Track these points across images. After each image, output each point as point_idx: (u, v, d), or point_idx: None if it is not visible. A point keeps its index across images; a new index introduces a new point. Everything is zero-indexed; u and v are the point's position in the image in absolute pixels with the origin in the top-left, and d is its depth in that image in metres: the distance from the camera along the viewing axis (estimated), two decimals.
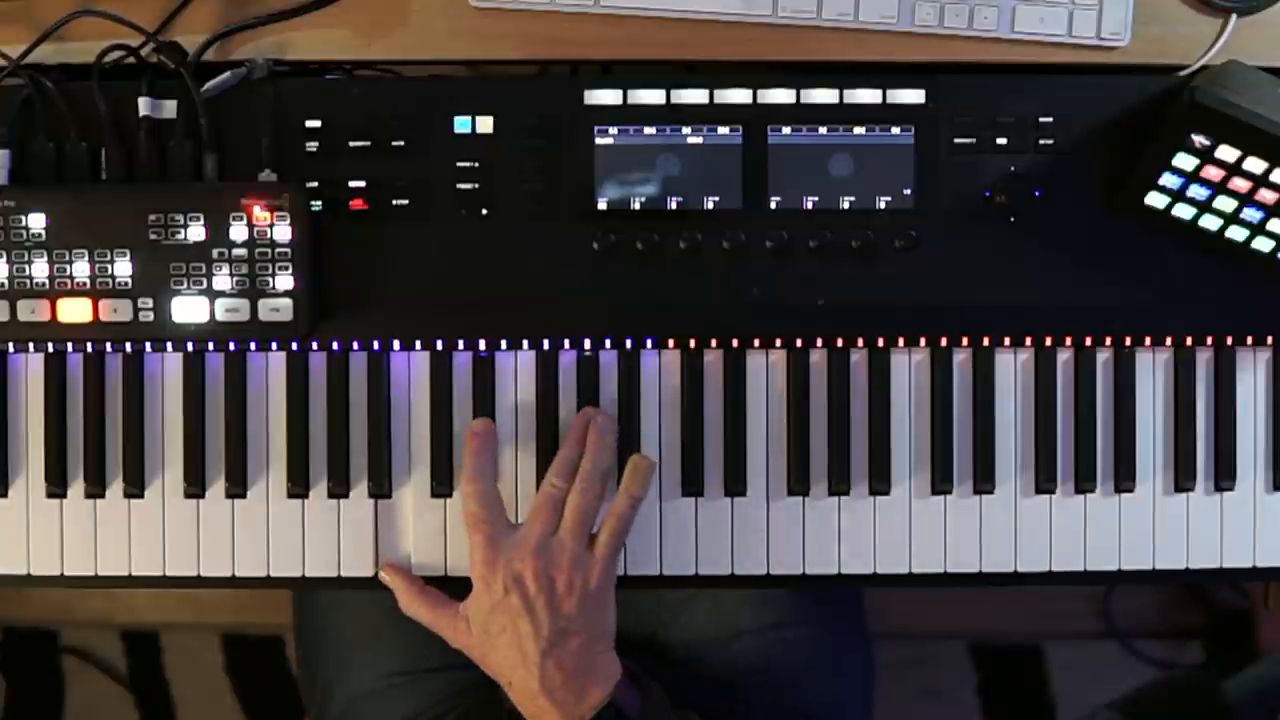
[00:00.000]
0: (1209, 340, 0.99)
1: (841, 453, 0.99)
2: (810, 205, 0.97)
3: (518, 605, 0.91)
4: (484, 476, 0.95)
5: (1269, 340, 1.00)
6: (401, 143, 0.97)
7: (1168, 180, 0.94)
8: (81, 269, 0.94)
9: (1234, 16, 0.98)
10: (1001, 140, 0.97)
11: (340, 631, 1.17)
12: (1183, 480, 0.99)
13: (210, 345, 0.97)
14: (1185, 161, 0.93)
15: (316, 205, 0.96)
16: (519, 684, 0.93)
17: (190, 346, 0.98)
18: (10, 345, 0.97)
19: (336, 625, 1.17)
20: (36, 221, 0.94)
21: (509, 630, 0.92)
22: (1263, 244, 0.95)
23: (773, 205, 0.97)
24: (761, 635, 1.15)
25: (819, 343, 0.99)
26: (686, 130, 0.97)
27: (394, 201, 0.97)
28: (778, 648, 1.15)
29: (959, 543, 0.99)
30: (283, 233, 0.94)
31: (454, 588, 0.98)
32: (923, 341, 0.99)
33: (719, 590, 1.14)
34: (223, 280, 0.94)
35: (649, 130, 0.97)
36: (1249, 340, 0.99)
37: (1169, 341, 0.99)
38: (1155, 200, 0.95)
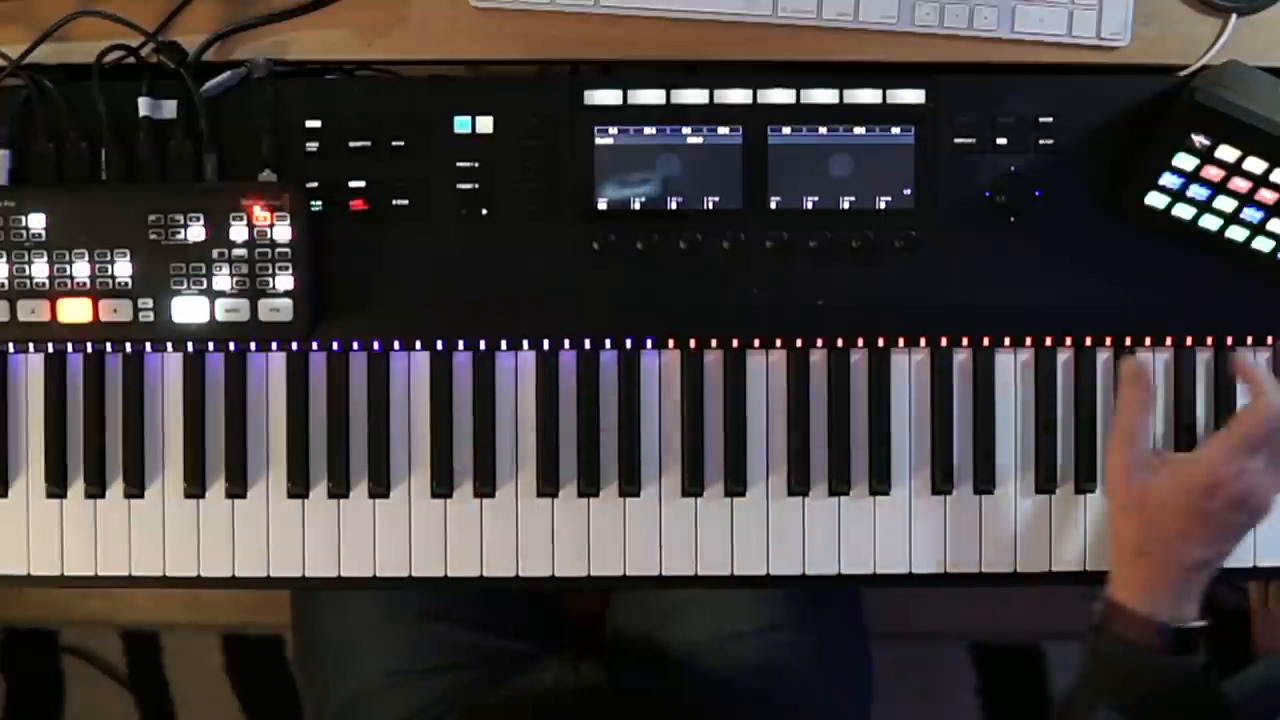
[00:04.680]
0: (1209, 340, 0.99)
1: (841, 453, 0.99)
2: (810, 205, 0.97)
3: (1214, 517, 0.90)
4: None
5: (1269, 340, 1.00)
6: (401, 143, 0.97)
7: (1168, 180, 0.94)
8: (81, 269, 0.94)
9: (1234, 16, 0.98)
10: (1001, 140, 0.97)
11: (339, 631, 1.17)
12: None
13: (210, 345, 0.97)
14: (1185, 161, 0.93)
15: (316, 205, 0.96)
16: (1156, 559, 0.91)
17: (190, 346, 0.98)
18: (10, 345, 0.97)
19: (335, 625, 1.17)
20: (36, 221, 0.94)
21: (1185, 515, 0.91)
22: (1263, 244, 0.95)
23: (773, 205, 0.97)
24: (760, 636, 1.15)
25: (819, 343, 0.99)
26: (686, 130, 0.97)
27: (394, 201, 0.97)
28: (776, 649, 1.15)
29: (958, 543, 0.99)
30: (283, 233, 0.94)
31: (454, 587, 0.98)
32: (923, 341, 0.99)
33: (718, 591, 1.14)
34: (223, 280, 0.94)
35: (649, 130, 0.97)
36: (1249, 340, 0.99)
37: (1169, 341, 0.99)
38: (1155, 200, 0.95)
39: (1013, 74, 0.98)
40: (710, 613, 1.16)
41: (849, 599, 1.25)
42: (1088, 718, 0.90)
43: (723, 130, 0.97)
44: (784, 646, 1.15)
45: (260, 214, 0.94)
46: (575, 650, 1.17)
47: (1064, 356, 1.00)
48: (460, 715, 1.12)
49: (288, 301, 0.95)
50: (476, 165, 0.97)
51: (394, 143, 0.97)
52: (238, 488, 0.98)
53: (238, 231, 0.94)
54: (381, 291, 0.97)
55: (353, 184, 0.97)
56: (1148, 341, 0.99)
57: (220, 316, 0.95)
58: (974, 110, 0.97)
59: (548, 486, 0.99)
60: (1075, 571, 1.00)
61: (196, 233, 0.94)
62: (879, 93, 0.97)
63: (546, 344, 0.98)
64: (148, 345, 0.98)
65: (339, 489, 0.99)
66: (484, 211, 0.97)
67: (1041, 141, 0.97)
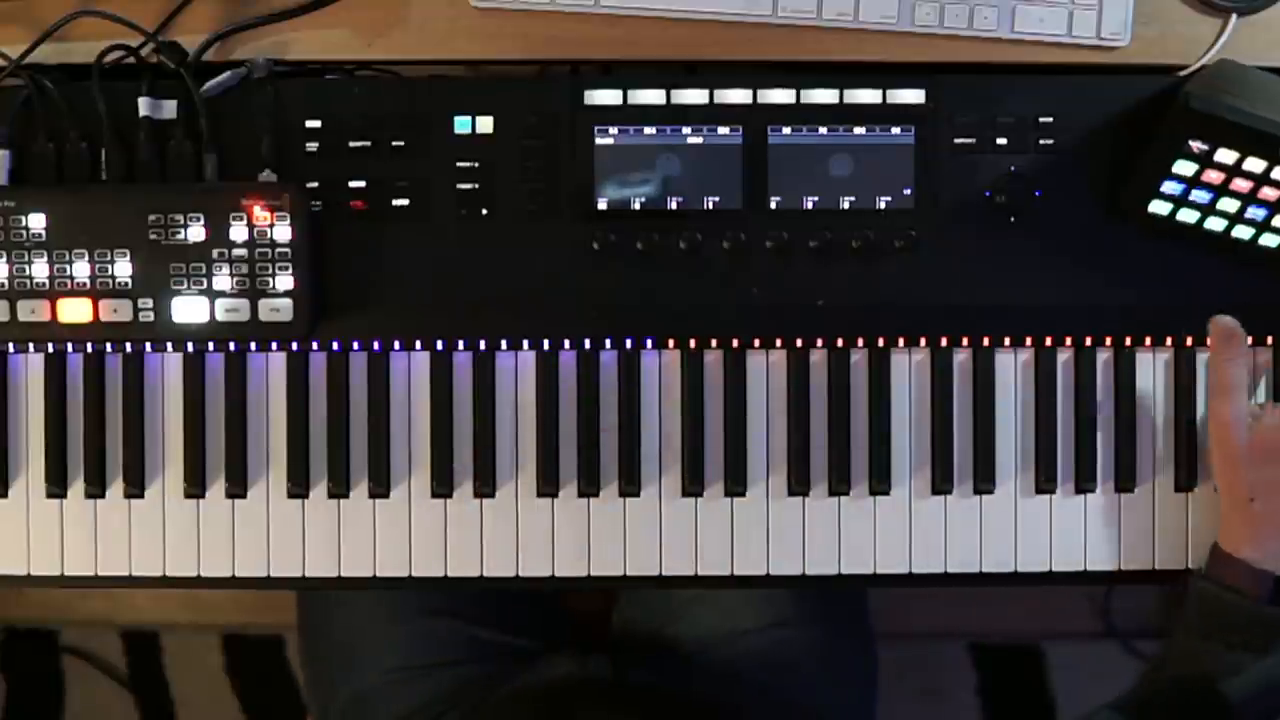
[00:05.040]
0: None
1: (841, 453, 0.99)
2: (810, 205, 0.97)
3: None
4: None
5: (1269, 340, 1.00)
6: (401, 143, 0.97)
7: (1169, 187, 0.94)
8: (81, 269, 0.94)
9: (1234, 16, 0.98)
10: (1001, 140, 0.97)
11: (345, 629, 1.17)
12: (1184, 480, 0.99)
13: (210, 345, 0.97)
14: (1185, 168, 0.93)
15: (316, 205, 0.96)
16: (1268, 507, 0.94)
17: (190, 346, 0.98)
18: (10, 345, 0.97)
19: (340, 622, 1.17)
20: (36, 221, 0.94)
21: None
22: (1270, 240, 0.95)
23: (773, 205, 0.97)
24: (766, 633, 1.16)
25: (819, 343, 0.99)
26: (686, 130, 0.97)
27: (394, 201, 0.97)
28: (782, 646, 1.15)
29: (959, 543, 0.99)
30: (283, 233, 0.94)
31: (454, 587, 0.98)
32: (923, 341, 0.99)
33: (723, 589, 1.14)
34: (223, 280, 0.94)
35: (649, 130, 0.97)
36: (1249, 340, 0.99)
37: (1169, 341, 0.99)
38: (1159, 208, 0.95)
39: (1013, 74, 0.98)
40: (716, 610, 1.16)
41: (855, 597, 1.25)
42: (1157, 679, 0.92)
43: (723, 130, 0.97)
44: (790, 643, 1.16)
45: (260, 214, 0.94)
46: (580, 646, 1.18)
47: (1064, 356, 1.00)
48: (464, 710, 1.12)
49: (288, 301, 0.95)
50: (476, 165, 0.97)
51: (394, 143, 0.97)
52: (238, 488, 0.98)
53: (238, 231, 0.94)
54: (381, 291, 0.97)
55: (353, 184, 0.97)
56: (1148, 341, 0.99)
57: (220, 316, 0.95)
58: (974, 110, 0.97)
59: (548, 486, 0.99)
60: (1075, 571, 1.00)
61: (196, 233, 0.94)
62: (879, 93, 0.97)
63: (546, 344, 0.98)
64: (148, 345, 0.98)
65: (339, 489, 0.99)
66: (484, 211, 0.97)
67: (1041, 141, 0.97)
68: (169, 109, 0.96)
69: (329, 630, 1.18)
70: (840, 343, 0.99)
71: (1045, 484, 0.99)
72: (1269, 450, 0.94)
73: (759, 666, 1.15)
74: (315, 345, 0.98)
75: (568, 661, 1.14)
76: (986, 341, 0.99)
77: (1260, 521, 0.94)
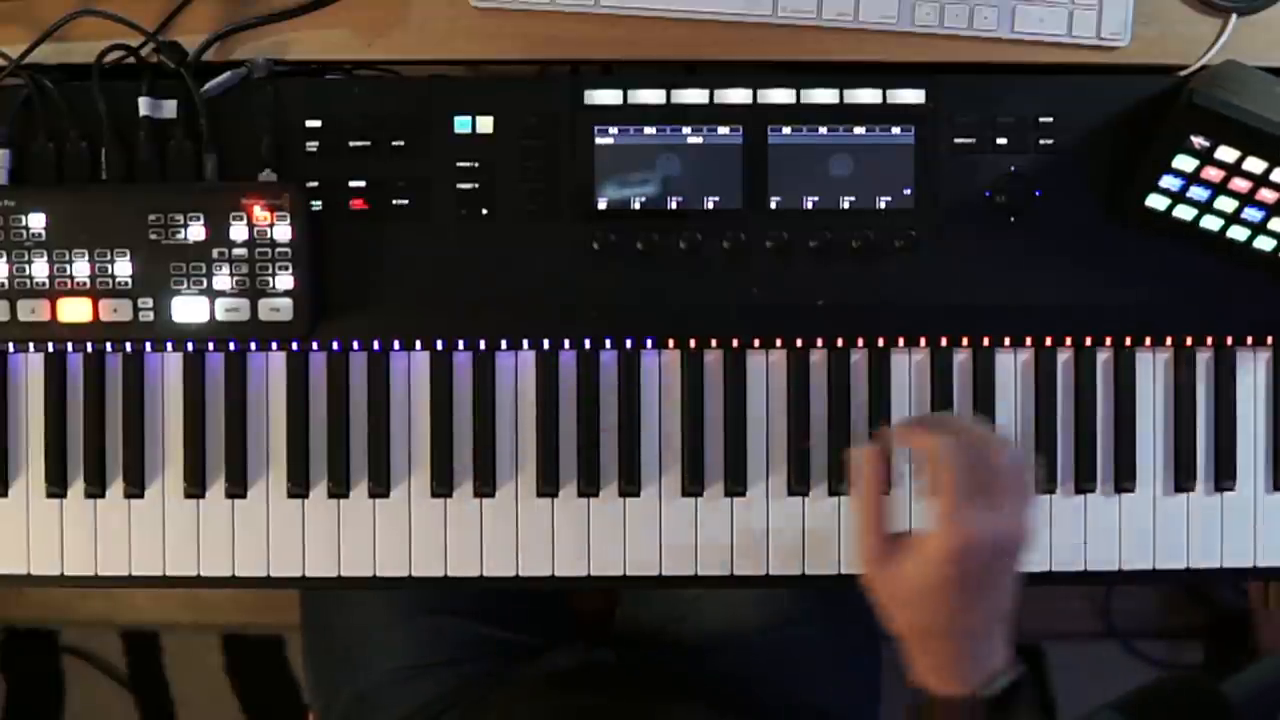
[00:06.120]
0: (1209, 340, 0.99)
1: (841, 453, 0.99)
2: (810, 205, 0.97)
3: (978, 576, 0.83)
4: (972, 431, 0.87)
5: (1269, 340, 1.00)
6: (401, 143, 0.97)
7: (1168, 182, 0.94)
8: (81, 269, 0.94)
9: (1234, 16, 0.98)
10: (1001, 140, 0.97)
11: (347, 627, 1.17)
12: (1183, 480, 0.99)
13: (210, 345, 0.97)
14: (1185, 163, 0.93)
15: (316, 205, 0.96)
16: (937, 637, 0.85)
17: (190, 346, 0.98)
18: (10, 345, 0.97)
19: (343, 621, 1.17)
20: (36, 221, 0.94)
21: (962, 594, 0.83)
22: (1264, 243, 0.95)
23: (773, 205, 0.97)
24: (771, 632, 1.15)
25: (819, 343, 0.99)
26: (686, 130, 0.97)
27: (394, 201, 0.97)
28: (787, 644, 1.15)
29: None
30: (283, 233, 0.94)
31: (454, 587, 0.98)
32: (923, 341, 0.99)
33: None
34: (223, 280, 0.94)
35: (649, 130, 0.97)
36: (1249, 340, 0.99)
37: (1169, 341, 0.99)
38: (1156, 202, 0.95)
39: (1013, 74, 0.98)
40: (720, 608, 1.16)
41: (858, 595, 1.25)
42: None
43: (723, 130, 0.97)
44: (795, 642, 1.16)
45: (260, 214, 0.94)
46: (584, 643, 1.18)
47: (1064, 356, 1.00)
48: (465, 709, 1.12)
49: (288, 301, 0.95)
50: (476, 165, 0.97)
51: (394, 143, 0.97)
52: (238, 488, 0.98)
53: (238, 231, 0.94)
54: (381, 291, 0.97)
55: (353, 184, 0.97)
56: (1148, 341, 0.99)
57: (220, 316, 0.95)
58: (974, 110, 0.97)
59: (548, 486, 0.99)
60: (1076, 572, 1.00)
61: (196, 232, 0.94)
62: (879, 93, 0.97)
63: (546, 344, 0.98)
64: (148, 345, 0.98)
65: (339, 489, 0.99)
66: (484, 211, 0.97)
67: (1041, 141, 0.97)
68: (169, 109, 0.96)
69: (331, 630, 1.18)
70: (840, 343, 0.99)
71: (1045, 484, 0.99)
72: (922, 587, 0.84)
73: (764, 665, 1.15)
74: (315, 345, 0.98)
75: (568, 657, 1.14)
76: (986, 341, 0.99)
77: (944, 653, 0.85)
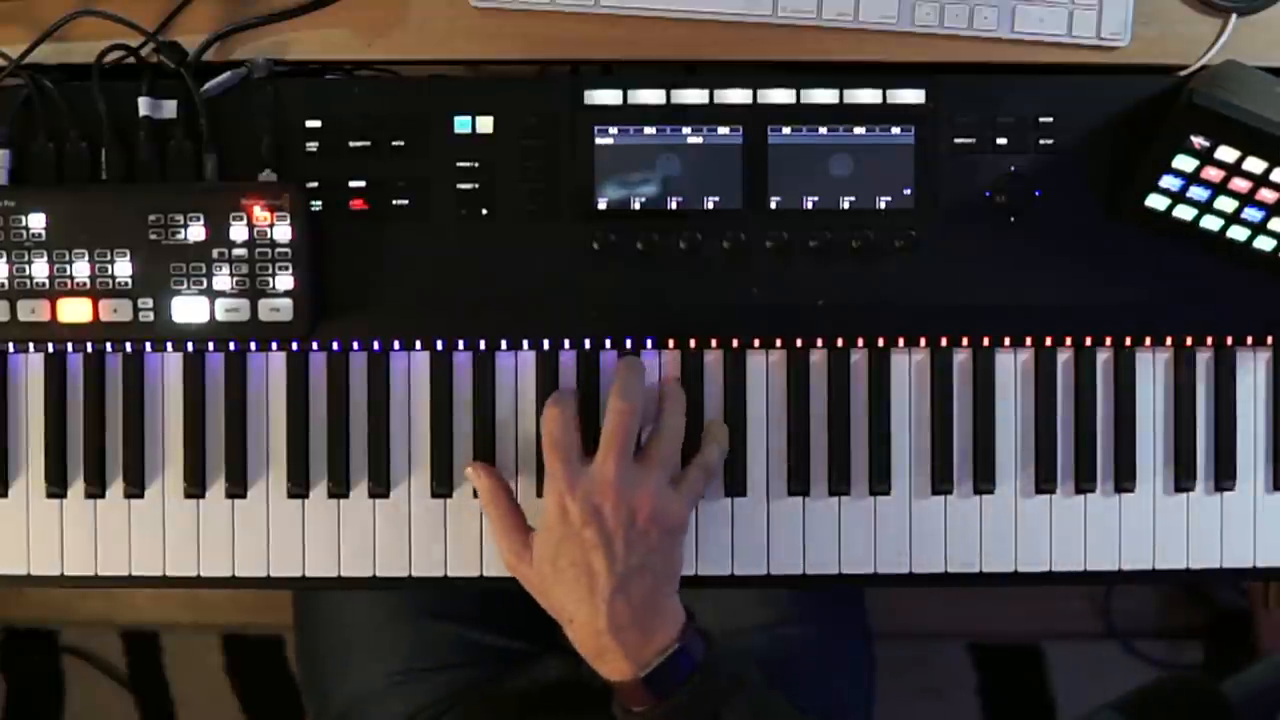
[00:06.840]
0: (1209, 340, 0.99)
1: (841, 453, 0.99)
2: (810, 205, 0.97)
3: (593, 538, 0.87)
4: (566, 402, 0.92)
5: (1269, 340, 1.00)
6: (401, 143, 0.97)
7: (1168, 182, 0.94)
8: (81, 269, 0.94)
9: (1234, 16, 0.98)
10: (1001, 140, 0.97)
11: (341, 631, 1.17)
12: (1183, 480, 0.99)
13: (210, 345, 0.97)
14: (1185, 163, 0.93)
15: (316, 205, 0.96)
16: (582, 620, 0.89)
17: (190, 346, 0.98)
18: (10, 345, 0.97)
19: (337, 625, 1.17)
20: (36, 221, 0.94)
21: (579, 564, 0.88)
22: (1264, 243, 0.95)
23: (773, 205, 0.97)
24: (764, 632, 1.16)
25: (819, 343, 0.99)
26: (686, 130, 0.97)
27: (394, 201, 0.97)
28: (780, 644, 1.15)
29: (959, 543, 0.99)
30: (283, 233, 0.94)
31: (454, 587, 0.98)
32: (923, 341, 0.99)
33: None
34: (223, 280, 0.94)
35: (649, 130, 0.97)
36: (1249, 340, 0.99)
37: (1169, 341, 0.99)
38: (1156, 202, 0.95)
39: (1013, 74, 0.98)
40: (715, 609, 1.16)
41: (853, 596, 1.25)
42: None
43: (723, 130, 0.97)
44: (789, 642, 1.16)
45: (260, 214, 0.94)
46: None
47: (1064, 356, 1.00)
48: (461, 714, 1.12)
49: (288, 301, 0.95)
50: (476, 165, 0.97)
51: (394, 143, 0.97)
52: (238, 488, 0.98)
53: (238, 231, 0.94)
54: (381, 291, 0.97)
55: (353, 184, 0.97)
56: (1148, 341, 0.99)
57: (220, 316, 0.95)
58: (974, 110, 0.97)
59: None
60: (1075, 571, 1.00)
61: (196, 233, 0.94)
62: (879, 93, 0.97)
63: (546, 344, 0.98)
64: (148, 345, 0.98)
65: (339, 489, 0.99)
66: (484, 211, 0.97)
67: (1041, 141, 0.97)
68: (169, 109, 0.96)
69: (324, 634, 1.18)
70: (840, 343, 0.99)
71: (1045, 484, 0.99)
72: (554, 561, 0.89)
73: (757, 664, 1.15)
74: (315, 345, 0.98)
75: (565, 662, 1.14)
76: (986, 341, 0.99)
77: (599, 633, 0.88)
